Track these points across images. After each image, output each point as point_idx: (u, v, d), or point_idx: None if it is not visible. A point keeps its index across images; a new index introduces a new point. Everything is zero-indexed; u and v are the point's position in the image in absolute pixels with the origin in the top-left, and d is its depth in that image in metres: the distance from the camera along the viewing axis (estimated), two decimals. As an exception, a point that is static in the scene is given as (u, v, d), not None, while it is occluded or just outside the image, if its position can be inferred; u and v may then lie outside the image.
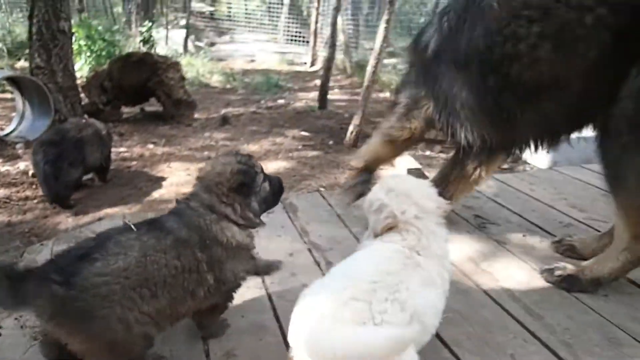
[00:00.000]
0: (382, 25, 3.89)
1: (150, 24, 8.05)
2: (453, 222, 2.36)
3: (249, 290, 1.80)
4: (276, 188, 1.60)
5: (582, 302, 1.75)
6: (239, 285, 1.49)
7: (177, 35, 9.71)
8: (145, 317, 1.27)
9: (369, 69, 4.01)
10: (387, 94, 6.41)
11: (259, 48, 10.38)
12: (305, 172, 3.53)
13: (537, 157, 3.46)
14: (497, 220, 2.38)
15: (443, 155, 3.95)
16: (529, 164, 3.55)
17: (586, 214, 2.45)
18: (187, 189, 3.16)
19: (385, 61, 8.41)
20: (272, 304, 1.74)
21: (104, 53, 6.47)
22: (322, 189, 3.19)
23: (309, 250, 2.12)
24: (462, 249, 2.10)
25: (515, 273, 1.94)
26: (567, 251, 2.07)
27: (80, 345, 1.22)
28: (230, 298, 1.52)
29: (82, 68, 6.16)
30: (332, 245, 2.14)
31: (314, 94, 5.75)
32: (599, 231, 2.23)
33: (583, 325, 1.63)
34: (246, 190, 1.45)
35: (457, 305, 1.68)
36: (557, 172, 3.06)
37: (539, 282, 1.89)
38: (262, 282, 1.86)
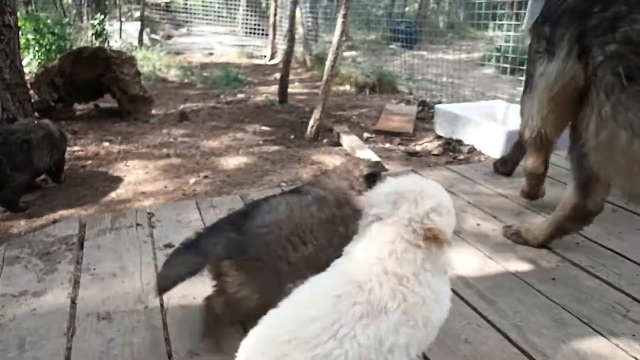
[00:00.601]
0: (340, 20, 3.92)
1: (102, 16, 7.78)
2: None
3: (210, 288, 1.80)
4: None
5: (532, 287, 1.84)
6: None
7: (132, 28, 9.44)
8: (292, 268, 1.49)
9: (328, 63, 4.03)
10: (347, 87, 6.47)
11: (217, 41, 10.23)
12: (266, 168, 3.53)
13: (491, 148, 3.59)
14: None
15: (402, 148, 4.03)
16: (483, 154, 3.67)
17: (536, 201, 2.57)
18: (146, 188, 3.14)
19: (345, 54, 8.48)
20: (234, 301, 1.74)
21: (53, 47, 6.21)
22: (283, 184, 3.21)
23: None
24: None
25: (470, 261, 2.02)
26: (513, 235, 2.18)
27: (240, 285, 1.44)
28: None
29: (30, 63, 5.90)
30: (294, 241, 2.16)
31: (275, 88, 5.74)
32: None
33: (532, 308, 1.72)
34: (373, 181, 1.58)
35: (415, 294, 1.74)
36: (510, 162, 3.19)
37: (492, 268, 1.98)
38: (224, 280, 1.86)
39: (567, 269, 1.96)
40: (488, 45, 7.99)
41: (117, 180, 3.23)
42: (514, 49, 5.77)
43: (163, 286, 1.47)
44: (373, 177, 1.65)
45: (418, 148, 4.06)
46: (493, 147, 3.56)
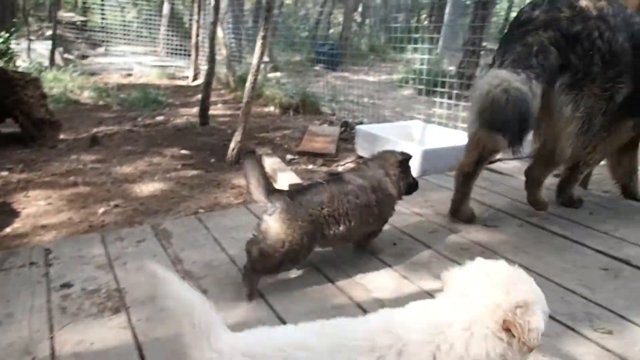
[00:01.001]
0: (259, 41, 3.90)
1: (7, 34, 7.23)
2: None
3: (111, 330, 1.65)
4: (415, 184, 2.25)
5: (445, 305, 1.87)
6: (386, 221, 2.21)
7: (42, 48, 8.87)
8: (323, 240, 1.96)
9: (248, 84, 3.99)
10: (271, 108, 6.45)
11: (136, 61, 9.86)
12: (184, 194, 3.38)
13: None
14: (371, 232, 2.48)
15: (325, 169, 4.04)
16: (402, 173, 3.76)
17: (448, 220, 2.65)
18: (47, 220, 2.88)
19: (270, 75, 8.49)
20: (137, 344, 1.61)
21: (-53, 68, 5.65)
22: (201, 210, 3.09)
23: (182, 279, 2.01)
24: (337, 264, 2.15)
25: (387, 282, 2.02)
26: None
27: (276, 235, 1.80)
28: (381, 229, 2.22)
29: None
30: (207, 272, 2.06)
31: (196, 110, 5.59)
32: (460, 235, 2.44)
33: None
34: (406, 166, 2.19)
35: (330, 322, 1.70)
36: (426, 181, 3.28)
37: (407, 288, 1.99)
38: (127, 320, 1.72)
39: (478, 284, 2.02)
40: (407, 67, 8.36)
41: (14, 214, 2.94)
42: (430, 71, 6.05)
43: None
44: (406, 161, 2.19)
45: (340, 169, 4.09)
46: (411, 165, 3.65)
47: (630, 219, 2.75)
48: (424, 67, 6.04)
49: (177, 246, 2.29)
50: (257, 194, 1.84)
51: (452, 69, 7.67)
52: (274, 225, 1.81)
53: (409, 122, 4.63)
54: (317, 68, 9.56)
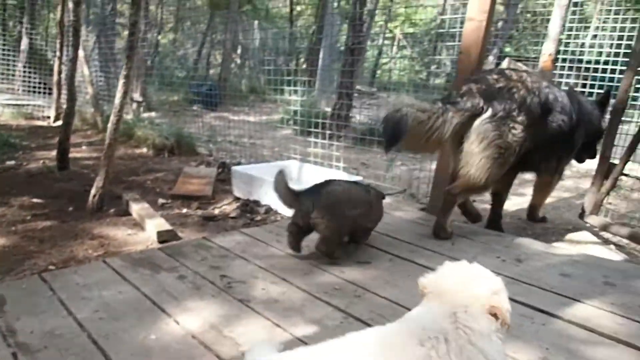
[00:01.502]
0: (121, 81, 3.66)
1: None
2: (196, 286, 2.24)
3: None
4: None
5: (318, 351, 1.80)
6: (376, 224, 2.89)
7: None
8: (348, 220, 2.59)
9: (110, 125, 3.69)
10: (144, 150, 6.09)
11: (-15, 100, 8.77)
12: (31, 249, 2.96)
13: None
14: (243, 277, 2.36)
15: (200, 212, 3.85)
16: (279, 214, 3.71)
17: (324, 260, 2.63)
18: None
19: (144, 115, 8.08)
20: None
21: None
22: (52, 267, 2.70)
23: (14, 355, 1.69)
24: (204, 316, 1.98)
25: (258, 333, 1.91)
26: None
27: (321, 224, 2.51)
28: (371, 231, 2.88)
29: None
30: (47, 343, 1.76)
31: (55, 153, 5.04)
32: (334, 275, 2.42)
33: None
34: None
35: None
36: (301, 221, 3.27)
37: (280, 336, 1.89)
38: None
39: (351, 324, 1.99)
40: (286, 108, 8.53)
41: None
42: (307, 112, 6.21)
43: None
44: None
45: (216, 211, 3.92)
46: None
47: (487, 247, 2.99)
48: (301, 108, 6.19)
49: (11, 314, 1.94)
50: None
51: (328, 109, 7.99)
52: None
53: (286, 162, 4.65)
54: (195, 108, 9.35)
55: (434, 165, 3.75)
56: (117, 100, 3.68)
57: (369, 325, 1.98)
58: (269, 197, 3.81)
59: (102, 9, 9.72)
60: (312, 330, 1.95)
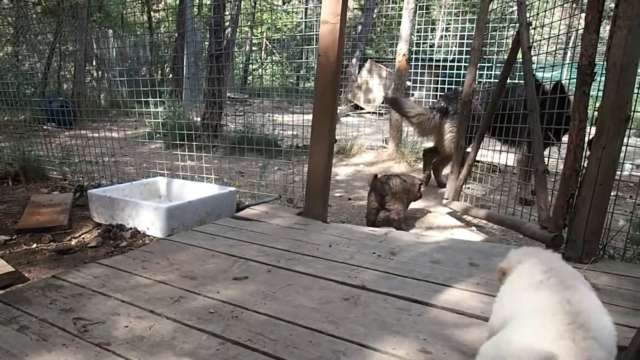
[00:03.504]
0: None
1: None
2: (43, 336, 1.91)
3: None
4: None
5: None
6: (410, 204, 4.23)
7: None
8: (400, 200, 3.94)
9: None
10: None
11: None
12: None
13: (154, 228, 3.36)
14: (102, 317, 2.06)
15: (54, 245, 3.37)
16: (148, 235, 3.40)
17: (197, 281, 2.44)
18: None
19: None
20: None
21: None
22: None
23: None
24: (52, 372, 1.68)
25: (120, 380, 1.66)
26: None
27: (394, 203, 3.90)
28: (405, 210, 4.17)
29: None
30: None
31: None
32: (209, 297, 2.24)
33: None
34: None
35: None
36: (169, 242, 3.01)
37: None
38: None
39: (228, 350, 1.84)
40: (152, 121, 7.99)
41: None
42: (176, 124, 5.86)
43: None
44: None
45: (74, 242, 3.47)
46: (156, 226, 3.34)
47: (363, 244, 3.03)
48: (169, 120, 5.80)
49: None
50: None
51: (198, 119, 7.65)
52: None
53: (154, 179, 4.30)
54: (46, 127, 8.35)
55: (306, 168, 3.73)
56: None
57: (247, 347, 1.85)
58: (134, 219, 3.48)
59: None
60: (184, 365, 1.75)
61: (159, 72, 13.97)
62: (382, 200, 3.88)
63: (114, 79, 9.79)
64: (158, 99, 6.43)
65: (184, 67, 9.25)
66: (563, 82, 3.99)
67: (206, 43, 8.83)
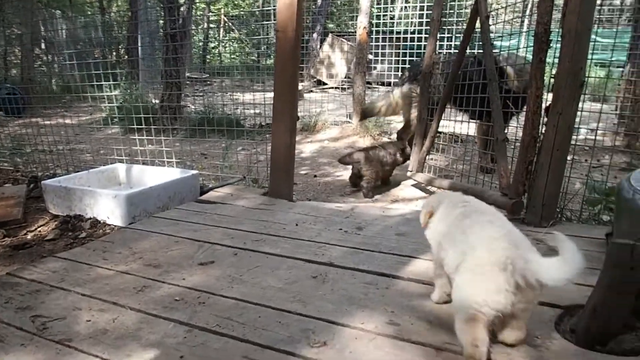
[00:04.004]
0: None
1: None
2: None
3: None
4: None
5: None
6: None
7: None
8: (383, 167, 4.51)
9: None
10: None
11: None
12: None
13: (115, 216, 3.25)
14: (63, 313, 1.99)
15: (8, 241, 3.22)
16: (109, 224, 3.29)
17: (161, 269, 2.38)
18: None
19: None
20: None
21: None
22: None
23: None
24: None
25: (84, 376, 1.61)
26: None
27: (367, 169, 4.32)
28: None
29: None
30: None
31: None
32: (174, 284, 2.19)
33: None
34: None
35: None
36: (131, 230, 2.93)
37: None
38: None
39: (195, 337, 1.80)
40: (109, 105, 7.70)
41: None
42: (133, 108, 5.65)
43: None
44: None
45: (30, 236, 3.33)
46: (116, 214, 3.23)
47: (329, 221, 3.02)
48: (126, 104, 5.59)
49: None
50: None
51: (157, 102, 7.42)
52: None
53: (113, 166, 4.15)
54: (-5, 117, 7.93)
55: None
56: None
57: (215, 332, 1.82)
58: (93, 209, 3.36)
59: None
60: (150, 355, 1.71)
61: (113, 53, 13.42)
62: (359, 172, 4.38)
63: (65, 62, 9.33)
64: (113, 82, 6.18)
65: (139, 48, 8.89)
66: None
67: (161, 22, 8.50)
